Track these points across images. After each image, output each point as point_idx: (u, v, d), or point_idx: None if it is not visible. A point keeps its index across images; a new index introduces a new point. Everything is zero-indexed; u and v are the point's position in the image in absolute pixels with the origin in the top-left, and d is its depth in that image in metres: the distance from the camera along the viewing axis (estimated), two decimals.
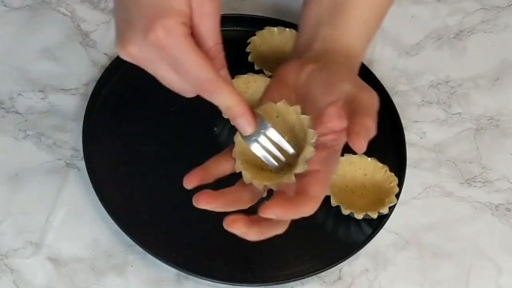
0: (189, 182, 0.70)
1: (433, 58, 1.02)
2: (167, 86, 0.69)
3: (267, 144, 0.69)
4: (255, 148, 0.69)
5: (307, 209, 0.67)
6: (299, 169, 0.67)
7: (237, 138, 0.73)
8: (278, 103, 0.70)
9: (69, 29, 1.01)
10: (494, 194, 0.92)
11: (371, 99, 0.70)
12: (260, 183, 0.69)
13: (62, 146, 0.91)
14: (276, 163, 0.69)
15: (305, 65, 0.74)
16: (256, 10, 1.03)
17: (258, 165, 0.72)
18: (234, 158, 0.71)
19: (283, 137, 0.69)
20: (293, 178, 0.67)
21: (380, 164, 0.88)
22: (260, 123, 0.69)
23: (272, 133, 0.69)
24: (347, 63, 0.75)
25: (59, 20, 1.02)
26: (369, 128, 0.67)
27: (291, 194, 0.68)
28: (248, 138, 0.69)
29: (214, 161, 0.72)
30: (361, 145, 0.66)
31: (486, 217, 0.90)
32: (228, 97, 0.68)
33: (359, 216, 0.85)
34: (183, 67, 0.65)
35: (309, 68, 0.73)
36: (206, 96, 0.67)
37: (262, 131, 0.69)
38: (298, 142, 0.70)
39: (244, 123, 0.69)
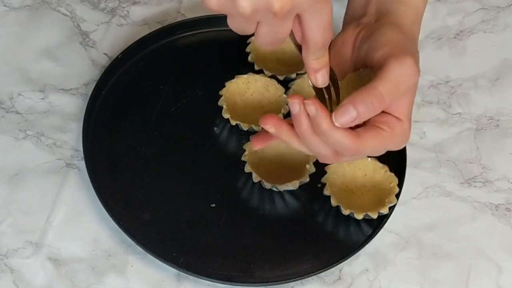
0: (255, 144, 0.75)
1: (433, 58, 1.02)
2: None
3: None
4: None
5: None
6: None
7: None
8: (361, 69, 0.74)
9: (69, 29, 1.01)
10: (494, 194, 0.92)
11: (398, 70, 0.70)
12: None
13: (62, 146, 0.91)
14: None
15: (360, 33, 0.75)
16: None
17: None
18: None
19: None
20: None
21: (380, 164, 0.88)
22: None
23: None
24: (397, 22, 0.75)
25: (59, 20, 1.02)
26: (360, 101, 0.68)
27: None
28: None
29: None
30: (335, 120, 0.69)
31: (486, 217, 0.90)
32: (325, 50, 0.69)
33: (359, 216, 0.85)
34: None
35: (361, 36, 0.75)
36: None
37: None
38: None
39: (322, 76, 0.70)
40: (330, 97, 0.73)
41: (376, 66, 0.71)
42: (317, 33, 0.67)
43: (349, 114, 0.69)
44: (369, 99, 0.69)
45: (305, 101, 0.69)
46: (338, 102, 0.74)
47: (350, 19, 0.80)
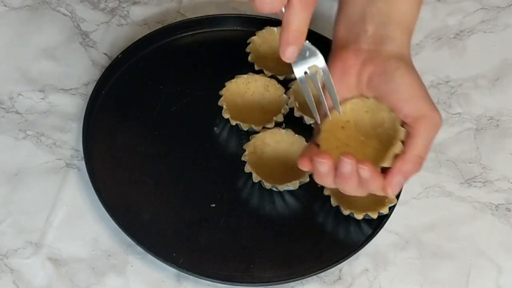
0: (305, 166, 0.76)
1: (433, 58, 1.02)
2: None
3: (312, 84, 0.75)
4: (301, 80, 0.76)
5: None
6: (386, 163, 0.74)
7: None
8: (371, 99, 0.76)
9: (69, 29, 1.01)
10: (494, 194, 0.92)
11: (426, 130, 0.74)
12: None
13: (62, 146, 0.91)
14: (311, 103, 0.76)
15: (365, 65, 0.76)
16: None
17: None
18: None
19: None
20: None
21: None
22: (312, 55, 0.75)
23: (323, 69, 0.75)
24: (401, 54, 0.77)
25: (59, 20, 1.02)
26: (406, 173, 0.74)
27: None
28: (298, 67, 0.75)
29: (308, 148, 0.78)
30: (390, 192, 0.75)
31: (486, 217, 0.90)
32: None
33: (359, 216, 0.85)
34: None
35: (369, 70, 0.76)
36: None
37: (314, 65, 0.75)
38: (384, 138, 0.76)
39: (291, 52, 0.72)
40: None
41: (406, 120, 0.75)
42: None
43: (401, 184, 0.75)
44: (412, 166, 0.74)
45: (359, 164, 0.72)
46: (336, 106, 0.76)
47: (344, 39, 0.80)
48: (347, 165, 0.72)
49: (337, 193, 0.88)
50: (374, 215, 0.86)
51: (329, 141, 0.77)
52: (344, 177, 0.73)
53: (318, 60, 0.75)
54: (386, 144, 0.75)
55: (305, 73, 0.75)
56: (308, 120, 0.92)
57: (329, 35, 0.99)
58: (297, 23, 0.69)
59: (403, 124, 0.75)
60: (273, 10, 0.69)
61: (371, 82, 0.76)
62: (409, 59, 0.78)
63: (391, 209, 0.87)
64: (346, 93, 0.77)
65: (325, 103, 0.77)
